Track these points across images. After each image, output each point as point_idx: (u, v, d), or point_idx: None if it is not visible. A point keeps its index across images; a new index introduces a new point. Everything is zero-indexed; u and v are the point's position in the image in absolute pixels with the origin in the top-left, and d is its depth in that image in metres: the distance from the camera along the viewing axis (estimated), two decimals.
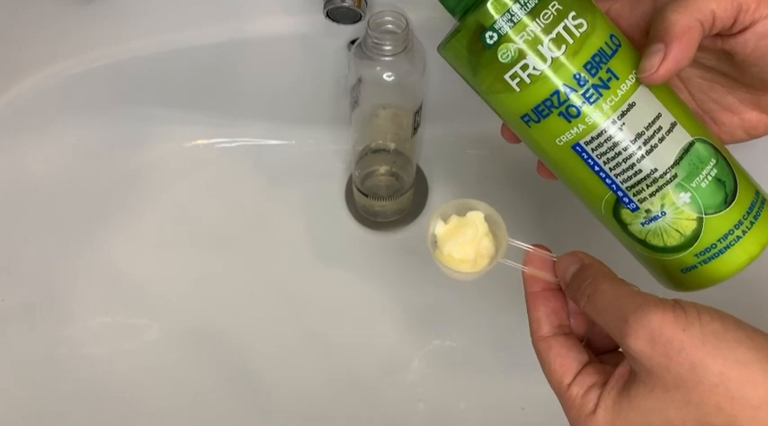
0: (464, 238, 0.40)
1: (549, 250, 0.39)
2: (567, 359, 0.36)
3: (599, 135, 0.37)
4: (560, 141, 0.38)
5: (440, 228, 0.41)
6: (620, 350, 0.34)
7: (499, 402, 0.60)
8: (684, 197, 0.37)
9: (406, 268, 0.65)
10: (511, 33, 0.36)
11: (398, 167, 0.63)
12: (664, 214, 0.38)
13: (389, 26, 0.50)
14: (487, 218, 0.40)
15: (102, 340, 0.60)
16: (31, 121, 0.58)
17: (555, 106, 0.37)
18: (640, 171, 0.37)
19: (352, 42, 0.55)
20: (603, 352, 0.38)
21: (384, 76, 0.52)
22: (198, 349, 0.61)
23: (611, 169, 0.38)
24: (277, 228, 0.65)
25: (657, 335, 0.31)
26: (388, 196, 0.63)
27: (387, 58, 0.50)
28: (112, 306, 0.61)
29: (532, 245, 0.39)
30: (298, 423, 0.60)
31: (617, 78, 0.37)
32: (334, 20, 0.53)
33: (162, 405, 0.59)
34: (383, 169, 0.64)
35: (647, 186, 0.38)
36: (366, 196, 0.63)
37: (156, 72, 0.59)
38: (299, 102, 0.63)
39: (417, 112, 0.57)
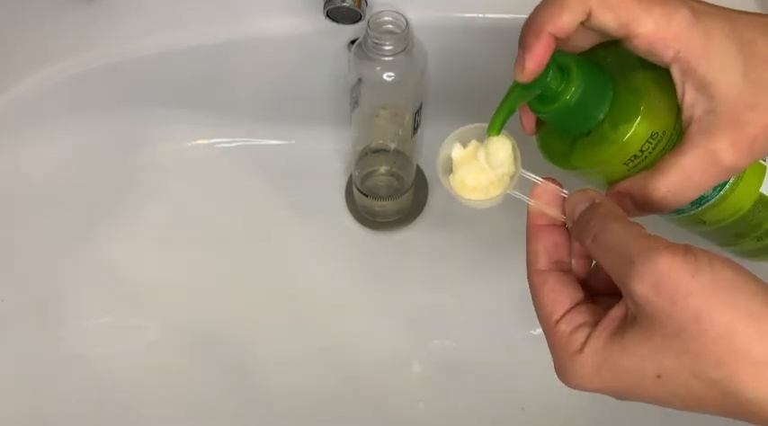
0: (478, 165, 0.38)
1: (560, 185, 0.37)
2: (560, 296, 0.34)
3: None
4: None
5: (457, 152, 0.38)
6: (622, 295, 0.33)
7: (499, 402, 0.60)
8: None
9: (406, 268, 0.65)
10: None
11: (398, 167, 0.63)
12: None
13: (389, 26, 0.50)
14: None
15: (102, 340, 0.60)
16: (30, 121, 0.58)
17: None
18: None
19: (352, 42, 0.55)
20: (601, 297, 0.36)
21: (384, 76, 0.52)
22: (198, 348, 0.61)
23: None
24: (277, 228, 0.65)
25: (664, 279, 0.29)
26: (388, 196, 0.63)
27: (387, 58, 0.50)
28: (112, 306, 0.61)
29: (544, 178, 0.37)
30: (297, 423, 0.60)
31: None
32: (334, 20, 0.53)
33: (162, 405, 0.59)
34: (383, 169, 0.64)
35: None
36: (366, 196, 0.63)
37: (156, 72, 0.59)
38: (300, 102, 0.63)
39: (417, 112, 0.57)
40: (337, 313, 0.63)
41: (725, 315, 0.28)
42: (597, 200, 0.35)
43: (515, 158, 0.38)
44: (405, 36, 0.50)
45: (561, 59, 0.38)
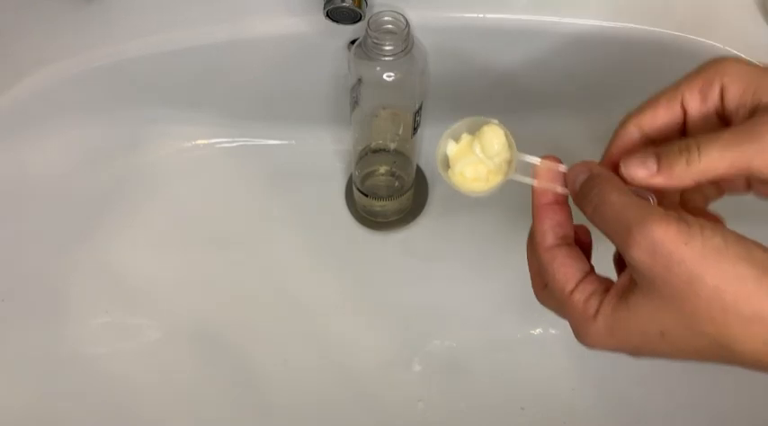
0: (475, 157, 0.39)
1: (559, 161, 0.39)
2: (570, 269, 0.37)
3: None
4: None
5: (451, 148, 0.40)
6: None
7: (499, 402, 0.60)
8: None
9: (406, 268, 0.65)
10: None
11: (398, 167, 0.63)
12: None
13: (389, 26, 0.50)
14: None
15: (102, 340, 0.60)
16: (31, 121, 0.58)
17: None
18: None
19: (352, 42, 0.55)
20: None
21: (384, 76, 0.52)
22: (198, 348, 0.61)
23: None
24: (277, 228, 0.65)
25: (659, 247, 0.31)
26: (388, 196, 0.63)
27: (387, 58, 0.50)
28: (112, 306, 0.61)
29: (542, 157, 0.39)
30: (297, 422, 0.60)
31: None
32: (334, 20, 0.53)
33: (162, 405, 0.59)
34: (383, 169, 0.64)
35: None
36: (366, 196, 0.63)
37: (156, 72, 0.59)
38: (299, 102, 0.63)
39: (417, 112, 0.57)
40: (337, 312, 0.63)
41: (714, 278, 0.31)
42: (595, 171, 0.37)
43: (510, 145, 0.39)
44: (405, 36, 0.50)
45: None
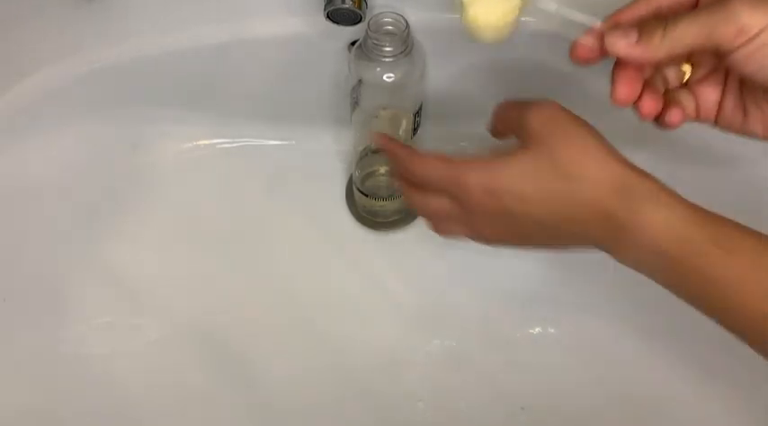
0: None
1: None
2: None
3: None
4: None
5: None
6: None
7: (499, 401, 0.60)
8: None
9: (406, 268, 0.65)
10: None
11: None
12: None
13: (389, 27, 0.50)
14: None
15: (102, 340, 0.60)
16: (31, 121, 0.58)
17: None
18: None
19: (353, 43, 0.55)
20: None
21: (384, 77, 0.52)
22: (198, 348, 0.61)
23: None
24: (277, 228, 0.65)
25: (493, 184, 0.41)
26: (388, 196, 0.63)
27: (387, 60, 0.51)
28: (112, 306, 0.61)
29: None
30: (297, 422, 0.60)
31: None
32: (334, 21, 0.53)
33: (162, 405, 0.59)
34: (383, 169, 0.64)
35: None
36: (366, 196, 0.63)
37: (157, 72, 0.59)
38: (300, 103, 0.63)
39: (417, 113, 0.57)
40: (337, 312, 0.63)
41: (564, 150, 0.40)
42: (394, 155, 0.46)
43: None
44: (405, 37, 0.50)
45: None
